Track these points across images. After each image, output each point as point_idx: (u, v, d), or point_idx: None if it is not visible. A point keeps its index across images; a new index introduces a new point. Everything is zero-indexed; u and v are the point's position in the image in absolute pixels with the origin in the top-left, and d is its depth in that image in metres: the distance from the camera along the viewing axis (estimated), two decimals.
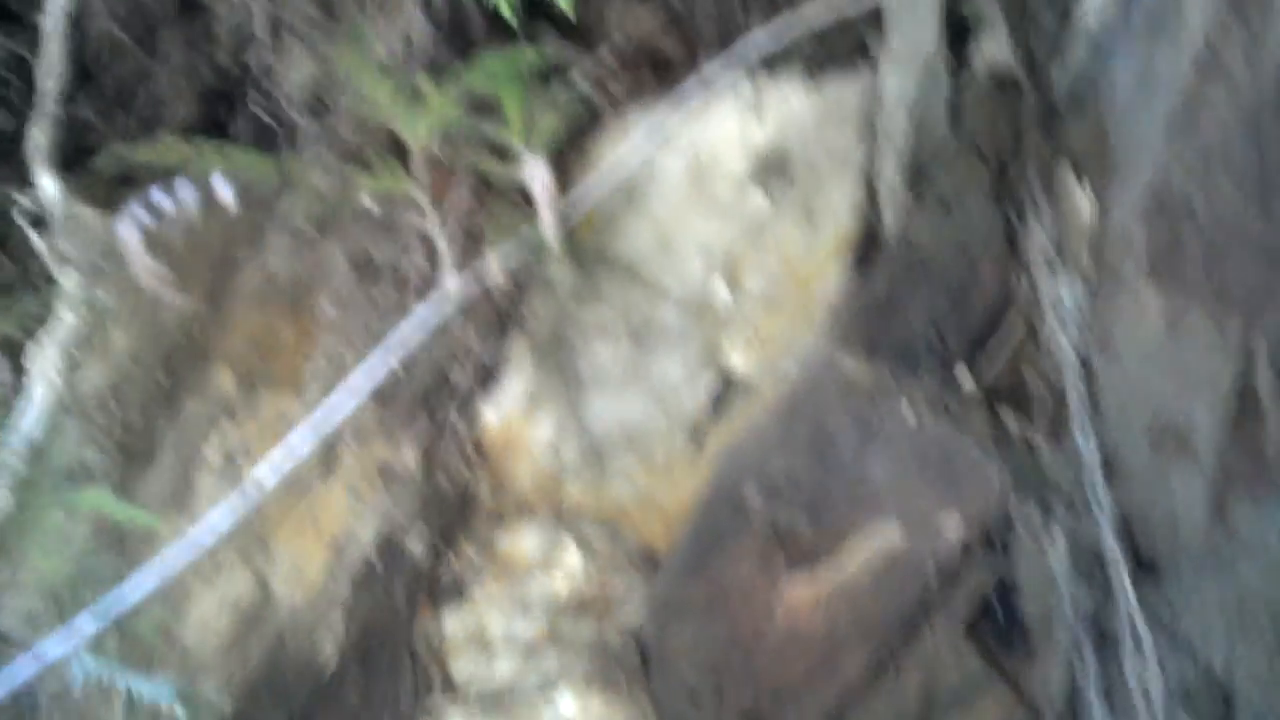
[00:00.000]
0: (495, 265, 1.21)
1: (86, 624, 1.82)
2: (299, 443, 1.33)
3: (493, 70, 1.22)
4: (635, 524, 3.55)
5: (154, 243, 1.18)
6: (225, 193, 1.18)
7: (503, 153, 1.12)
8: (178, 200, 1.20)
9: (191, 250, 3.48)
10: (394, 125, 1.21)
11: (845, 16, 3.48)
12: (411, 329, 1.22)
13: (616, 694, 3.29)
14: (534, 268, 3.61)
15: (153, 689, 2.10)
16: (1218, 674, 2.01)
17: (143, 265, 1.17)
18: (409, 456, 3.52)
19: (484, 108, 2.91)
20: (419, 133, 1.18)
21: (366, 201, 1.22)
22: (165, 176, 3.97)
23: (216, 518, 1.38)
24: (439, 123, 1.16)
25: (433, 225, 1.23)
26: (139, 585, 1.72)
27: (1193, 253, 2.07)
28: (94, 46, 3.80)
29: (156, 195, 1.23)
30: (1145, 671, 2.08)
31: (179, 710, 2.12)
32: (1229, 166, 1.91)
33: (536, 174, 1.11)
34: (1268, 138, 1.77)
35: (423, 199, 1.19)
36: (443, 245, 1.22)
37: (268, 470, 1.36)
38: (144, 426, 3.96)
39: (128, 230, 1.18)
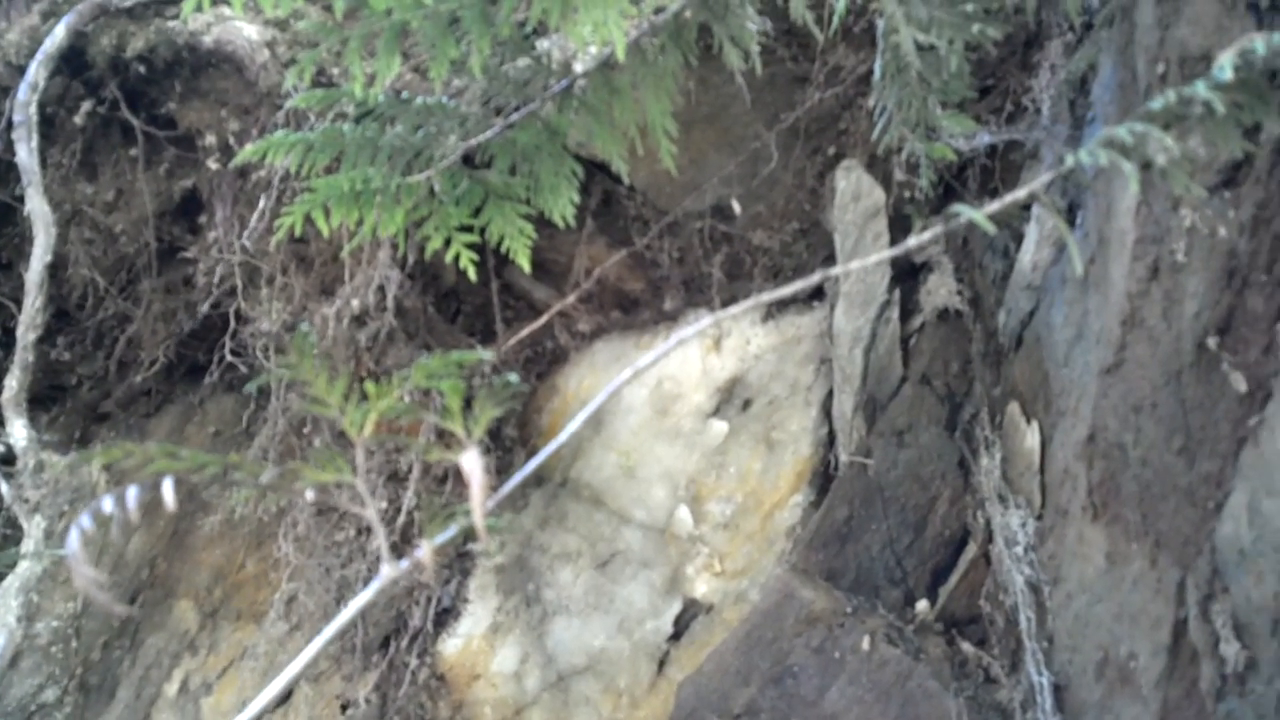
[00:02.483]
0: (428, 553, 1.29)
1: None
2: (261, 696, 1.36)
3: (434, 369, 1.33)
4: None
5: (92, 546, 1.25)
6: (169, 497, 1.27)
7: (447, 436, 1.22)
8: (124, 508, 1.29)
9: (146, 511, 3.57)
10: (339, 421, 1.31)
11: (801, 259, 3.70)
12: (361, 593, 1.25)
13: None
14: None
15: None
16: None
17: (83, 574, 1.24)
18: (362, 700, 3.51)
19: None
20: (362, 429, 1.28)
21: (309, 495, 1.30)
22: (146, 401, 4.09)
23: None
24: (383, 415, 1.26)
25: (372, 516, 1.32)
26: None
27: (1129, 495, 2.18)
28: (76, 291, 3.96)
29: (104, 503, 1.31)
30: None
31: None
32: (1156, 416, 2.04)
33: (472, 464, 1.20)
34: (1188, 391, 1.90)
35: (363, 491, 1.28)
36: (380, 537, 1.30)
37: None
38: (104, 662, 3.95)
39: (74, 541, 1.25)
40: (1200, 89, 1.35)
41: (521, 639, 3.71)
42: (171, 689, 3.88)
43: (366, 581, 3.27)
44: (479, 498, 1.33)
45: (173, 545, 4.06)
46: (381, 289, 3.50)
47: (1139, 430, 2.13)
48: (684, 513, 3.65)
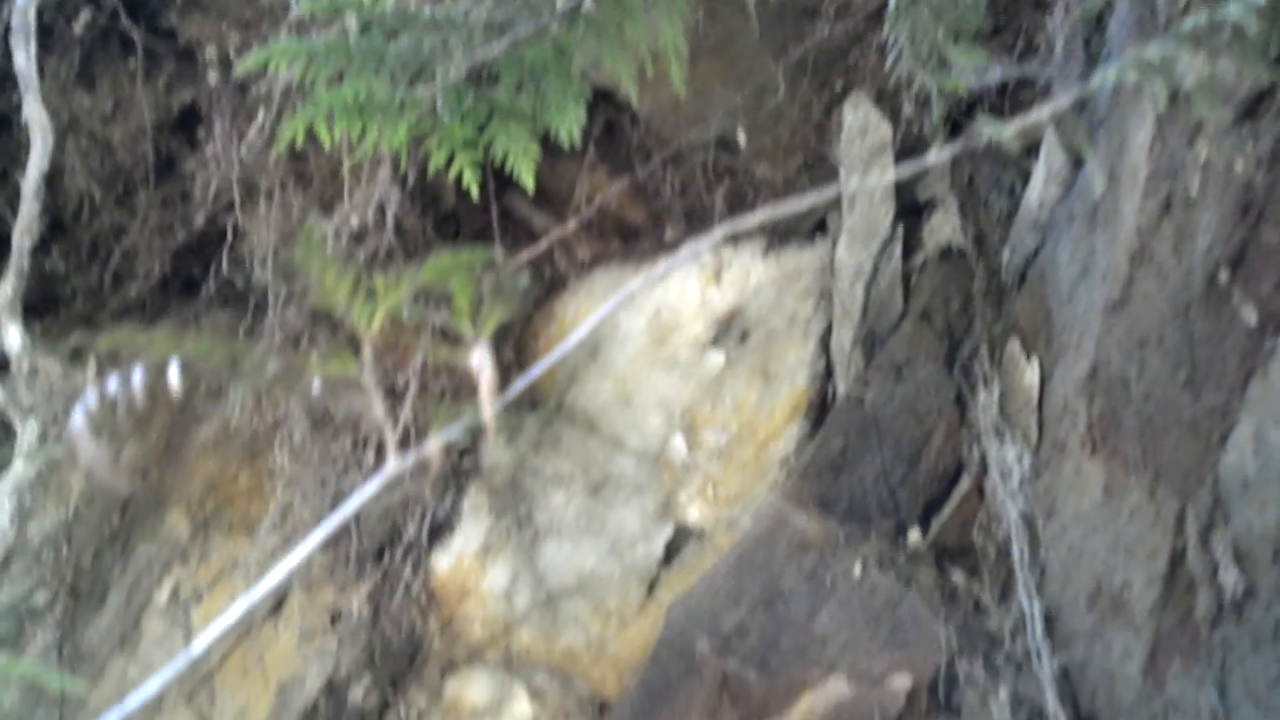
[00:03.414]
0: (435, 448, 1.30)
1: None
2: (249, 595, 1.38)
3: (444, 267, 1.33)
4: (586, 671, 3.58)
5: (98, 426, 1.25)
6: (174, 380, 1.27)
7: (453, 338, 1.23)
8: (128, 387, 1.29)
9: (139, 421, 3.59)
10: (347, 317, 1.31)
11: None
12: (365, 486, 1.27)
13: None
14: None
15: None
16: None
17: (89, 453, 1.24)
18: (356, 607, 3.54)
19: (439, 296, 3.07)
20: (370, 324, 1.28)
21: (315, 388, 1.30)
22: (123, 355, 4.07)
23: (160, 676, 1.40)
24: (390, 312, 1.26)
25: (376, 409, 1.33)
26: None
27: (1129, 429, 2.21)
28: (71, 202, 3.93)
29: (110, 383, 1.31)
30: None
31: None
32: (1161, 350, 2.07)
33: (481, 361, 1.21)
34: (1195, 326, 1.93)
35: (370, 385, 1.28)
36: (386, 430, 1.31)
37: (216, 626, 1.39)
38: (94, 569, 3.97)
39: (78, 421, 1.25)
40: (1233, 9, 1.36)
41: (512, 559, 3.75)
42: (162, 597, 3.91)
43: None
44: (489, 393, 1.34)
45: (165, 455, 4.06)
46: (381, 207, 3.49)
47: (1143, 365, 2.16)
48: (678, 441, 3.67)
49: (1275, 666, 1.73)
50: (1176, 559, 2.00)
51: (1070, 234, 2.63)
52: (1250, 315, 1.75)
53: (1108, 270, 2.32)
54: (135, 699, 1.46)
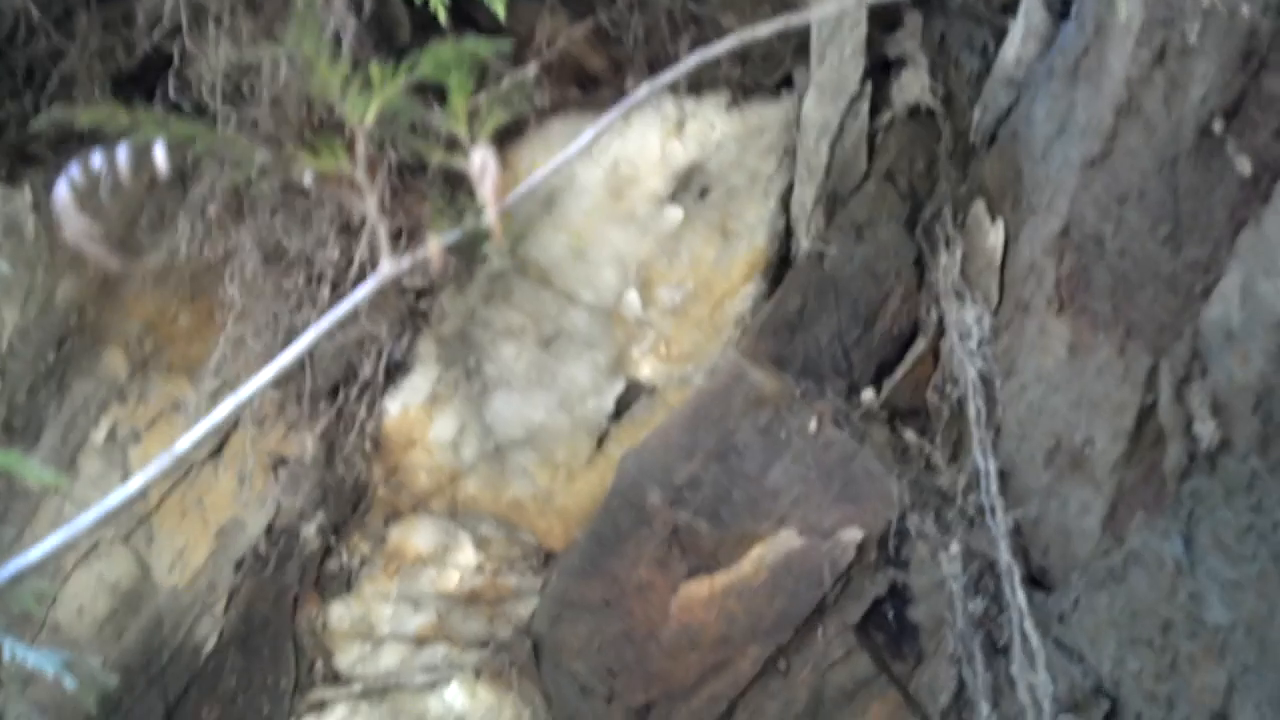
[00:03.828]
0: (435, 248, 1.24)
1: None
2: (197, 428, 1.33)
3: (443, 59, 1.26)
4: (532, 522, 3.58)
5: (84, 203, 1.18)
6: (160, 159, 1.20)
7: (447, 142, 1.16)
8: (114, 163, 1.21)
9: (108, 218, 3.43)
10: (339, 107, 1.24)
11: (772, 47, 3.60)
12: (322, 319, 1.22)
13: (506, 686, 3.31)
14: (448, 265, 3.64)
15: (39, 657, 2.03)
16: (1105, 683, 2.13)
17: (74, 225, 1.17)
18: (309, 445, 3.49)
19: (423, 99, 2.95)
20: (364, 115, 1.21)
21: (307, 179, 1.23)
22: (80, 145, 3.91)
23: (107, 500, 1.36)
24: (383, 105, 1.19)
25: (370, 206, 1.26)
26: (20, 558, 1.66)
27: (1100, 287, 2.21)
28: (5, 23, 3.72)
29: (94, 158, 1.23)
30: (1035, 679, 2.19)
31: (66, 680, 2.06)
32: (1142, 206, 2.05)
33: (486, 161, 1.15)
34: (1182, 179, 1.91)
35: (362, 179, 1.22)
36: (380, 227, 1.25)
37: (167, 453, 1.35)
38: (29, 405, 3.87)
39: (62, 191, 1.18)
40: None
41: (460, 410, 3.71)
42: (99, 436, 3.83)
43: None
44: (494, 194, 1.28)
45: (102, 292, 3.94)
46: (337, 37, 3.34)
47: (1120, 221, 2.15)
48: (633, 296, 3.63)
49: (1247, 516, 1.76)
50: (1144, 414, 2.01)
51: (1048, 90, 2.58)
52: (1245, 166, 1.73)
53: (1088, 126, 2.29)
54: (68, 530, 1.41)
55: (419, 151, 1.28)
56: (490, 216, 1.21)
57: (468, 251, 3.54)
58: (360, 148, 1.24)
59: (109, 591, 3.84)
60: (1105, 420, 2.15)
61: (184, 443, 1.29)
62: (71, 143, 3.94)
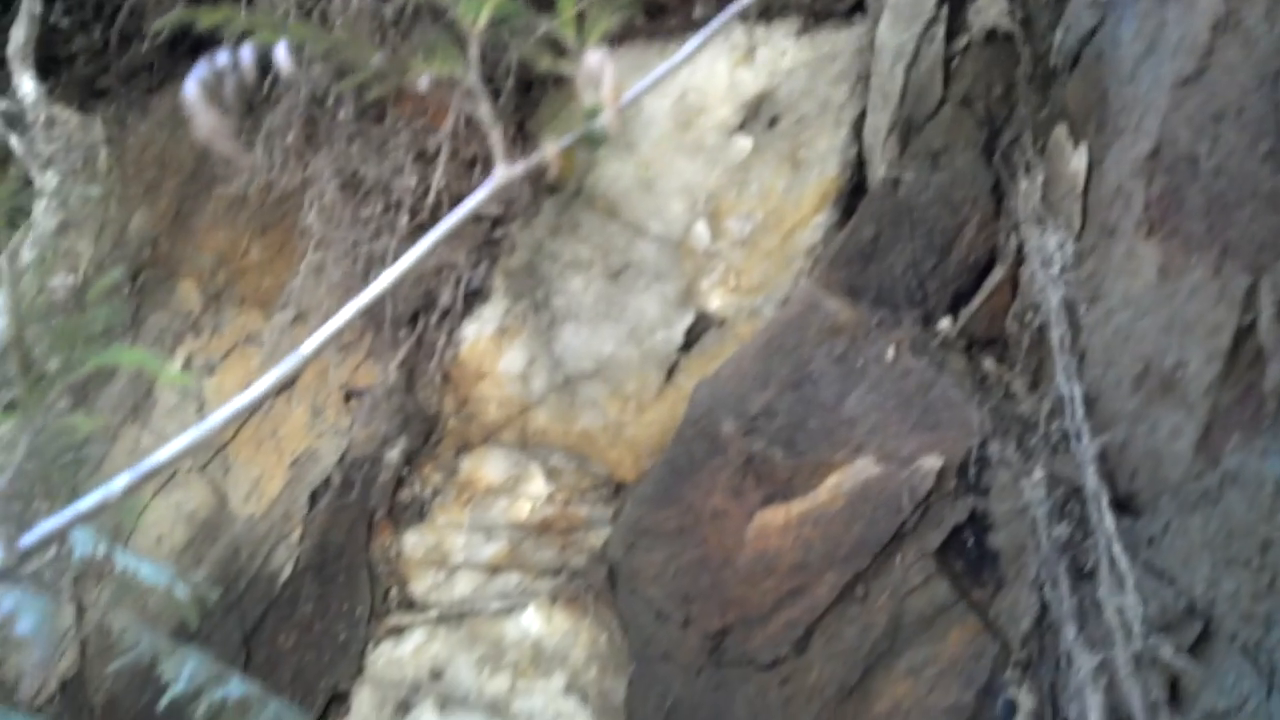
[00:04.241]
0: (553, 150, 1.24)
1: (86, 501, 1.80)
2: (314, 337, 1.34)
3: None
4: (603, 454, 3.60)
5: (212, 100, 1.18)
6: (283, 59, 1.20)
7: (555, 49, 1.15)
8: (239, 64, 1.21)
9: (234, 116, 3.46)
10: (452, 11, 1.23)
11: None
12: (404, 245, 1.23)
13: (582, 612, 3.35)
14: (519, 193, 3.65)
15: (151, 569, 2.08)
16: (1198, 603, 2.12)
17: (205, 121, 1.17)
18: (384, 375, 3.52)
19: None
20: (477, 19, 1.20)
21: (423, 84, 1.23)
22: (149, 76, 3.93)
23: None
24: (496, 10, 1.18)
25: (485, 110, 1.26)
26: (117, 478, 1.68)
27: (1194, 207, 2.17)
28: None
29: (220, 58, 1.23)
30: (1123, 602, 2.18)
31: (179, 589, 2.11)
32: (1241, 123, 2.01)
33: (603, 62, 1.14)
34: None
35: (476, 86, 1.21)
36: (495, 131, 1.24)
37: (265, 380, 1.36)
38: (106, 338, 3.92)
39: (193, 88, 1.18)
40: None
41: (529, 342, 3.73)
42: (173, 368, 3.88)
43: (396, 259, 3.23)
44: (612, 95, 1.27)
45: (175, 225, 3.98)
46: None
47: (1216, 140, 2.10)
48: (701, 227, 3.61)
49: None
50: (1242, 334, 1.98)
51: (1135, 10, 2.52)
52: None
53: (1180, 43, 2.24)
54: (147, 464, 1.43)
55: (529, 57, 1.27)
56: (609, 117, 1.20)
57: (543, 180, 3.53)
58: (473, 52, 1.24)
59: (186, 521, 3.91)
60: (1199, 342, 2.12)
61: (309, 345, 1.31)
62: (140, 75, 3.97)
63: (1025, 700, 2.56)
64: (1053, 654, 2.49)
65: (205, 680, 1.89)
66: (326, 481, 3.80)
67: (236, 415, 1.35)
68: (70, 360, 1.47)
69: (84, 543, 1.87)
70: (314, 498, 3.79)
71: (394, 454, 3.70)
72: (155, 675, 3.65)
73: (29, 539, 1.30)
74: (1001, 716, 2.63)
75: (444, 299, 3.44)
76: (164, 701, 1.89)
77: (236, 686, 1.92)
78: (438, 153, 3.22)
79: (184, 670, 1.88)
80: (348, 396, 3.85)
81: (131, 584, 2.10)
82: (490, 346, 3.75)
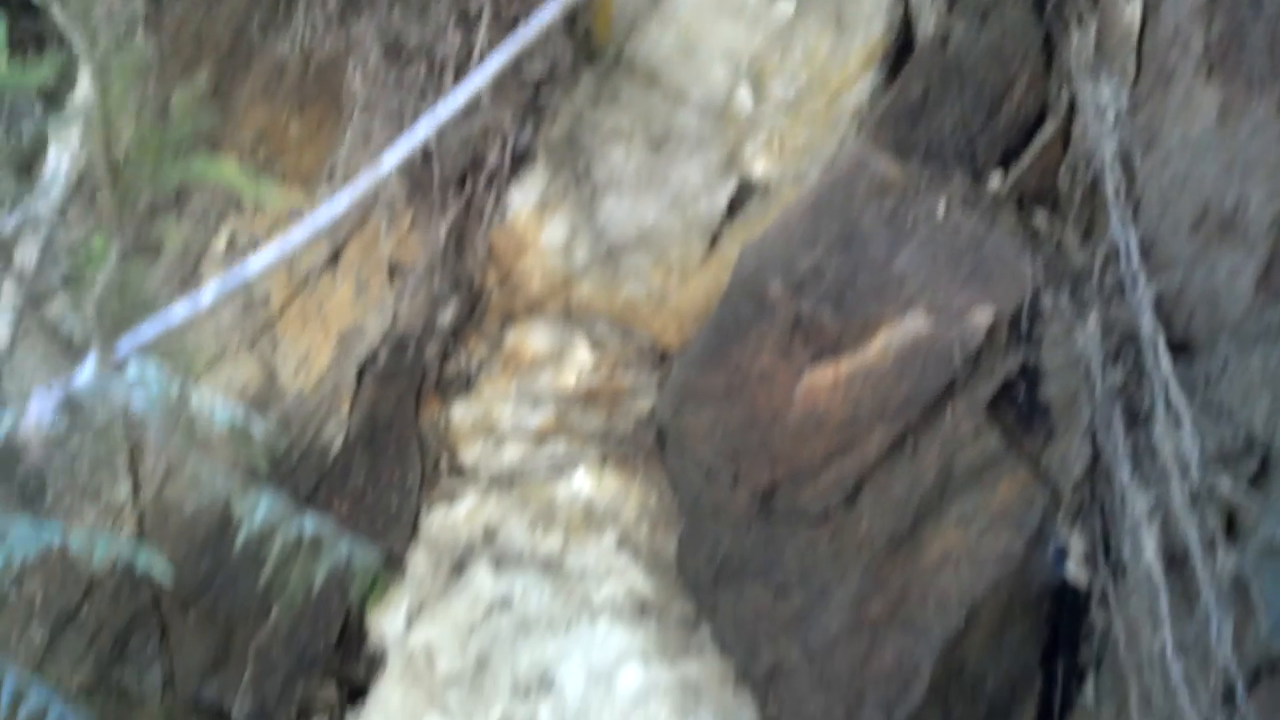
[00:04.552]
0: None
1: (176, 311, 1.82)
2: (331, 209, 1.35)
3: None
4: (647, 322, 3.62)
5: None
6: None
7: None
8: None
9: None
10: None
11: None
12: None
13: (632, 473, 3.40)
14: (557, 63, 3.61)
15: (225, 409, 2.11)
16: (1257, 437, 2.14)
17: None
18: (440, 237, 3.52)
19: None
20: None
21: None
22: None
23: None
24: None
25: None
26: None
27: (1256, 46, 2.14)
28: None
29: None
30: (1180, 441, 2.21)
31: (256, 427, 2.15)
32: None
33: None
34: None
35: None
36: None
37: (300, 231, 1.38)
38: (151, 218, 3.93)
39: None
40: None
41: (570, 214, 3.72)
42: (219, 245, 3.90)
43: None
44: None
45: (215, 102, 3.96)
46: None
47: None
48: (744, 92, 3.57)
49: None
50: None
51: None
52: None
53: None
54: (236, 276, 1.45)
55: None
56: None
57: (582, 46, 3.50)
58: None
59: (237, 395, 3.96)
60: (1260, 181, 2.12)
61: (389, 162, 1.32)
62: None
63: (1075, 545, 2.60)
64: (1104, 500, 2.53)
65: (279, 518, 1.94)
66: (374, 356, 3.83)
67: (318, 233, 1.37)
68: (157, 172, 1.49)
69: (155, 378, 1.87)
70: (361, 372, 3.82)
71: (439, 327, 3.73)
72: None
73: (125, 346, 1.33)
74: (1052, 562, 2.68)
75: (491, 160, 3.43)
76: (239, 539, 1.94)
77: (309, 523, 1.97)
78: (480, 14, 3.18)
79: (259, 507, 1.92)
80: (391, 272, 3.86)
81: (202, 429, 2.14)
82: (532, 219, 3.75)
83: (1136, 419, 2.39)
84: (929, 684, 2.80)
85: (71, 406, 1.59)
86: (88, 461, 3.66)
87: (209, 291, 1.37)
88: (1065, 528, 2.64)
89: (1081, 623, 2.71)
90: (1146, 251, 2.47)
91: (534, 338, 3.74)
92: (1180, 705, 2.20)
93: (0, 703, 1.55)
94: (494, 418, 3.71)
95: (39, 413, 1.49)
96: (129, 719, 3.68)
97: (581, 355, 3.67)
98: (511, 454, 3.63)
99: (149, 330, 1.36)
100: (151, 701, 3.68)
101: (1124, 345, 2.45)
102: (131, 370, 1.61)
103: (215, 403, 1.89)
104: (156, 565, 1.63)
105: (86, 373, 1.57)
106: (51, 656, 3.52)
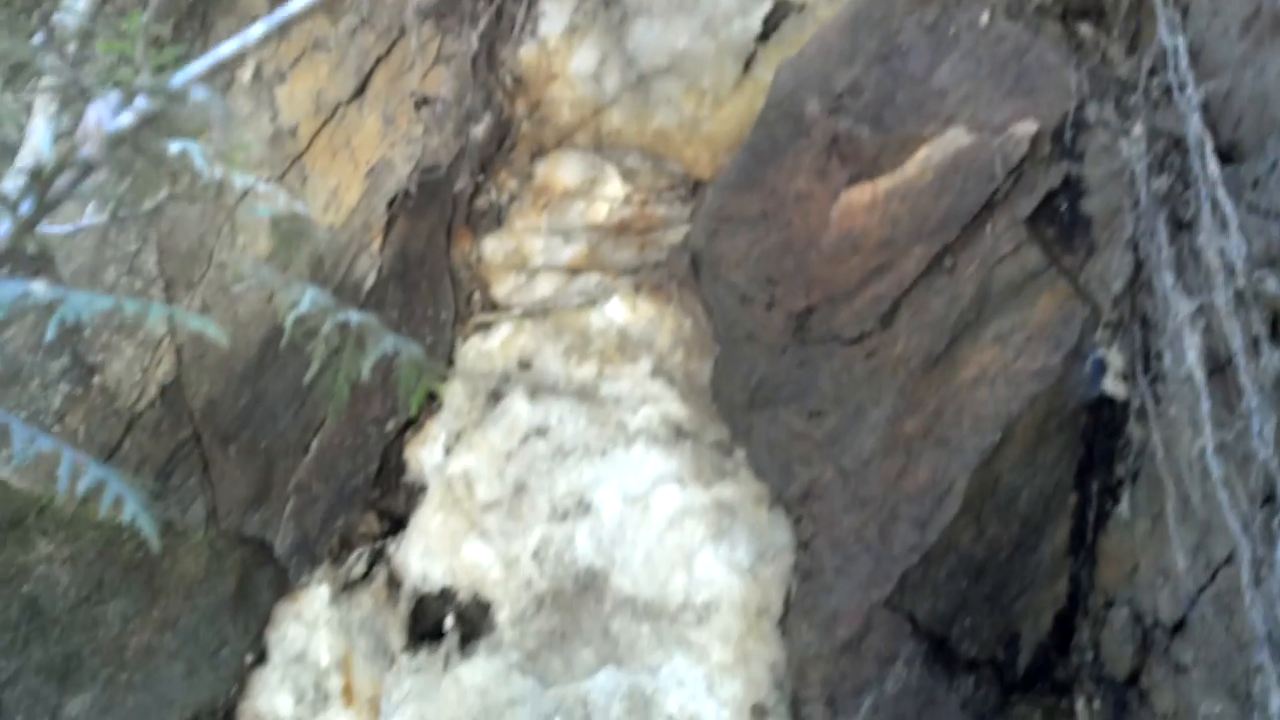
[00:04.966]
0: None
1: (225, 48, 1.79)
2: None
3: None
4: (679, 152, 3.56)
5: None
6: None
7: None
8: None
9: None
10: None
11: None
12: None
13: (666, 299, 3.39)
14: None
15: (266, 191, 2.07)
16: None
17: None
18: (472, 43, 3.45)
19: None
20: None
21: None
22: None
23: None
24: None
25: None
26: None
27: None
28: None
29: None
30: (1226, 243, 2.17)
31: (300, 207, 2.11)
32: None
33: None
34: None
35: None
36: None
37: None
38: (175, 39, 3.86)
39: None
40: None
41: (600, 40, 3.64)
42: (245, 76, 3.85)
43: None
44: None
45: None
46: None
47: None
48: None
49: None
50: None
51: None
52: None
53: None
54: (282, 13, 1.42)
55: None
56: None
57: None
58: None
59: (270, 232, 3.95)
60: None
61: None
62: None
63: (1114, 360, 2.59)
64: (1145, 311, 2.50)
65: (324, 308, 1.92)
66: (404, 191, 3.80)
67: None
68: None
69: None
70: (392, 207, 3.80)
71: (469, 160, 3.69)
72: (253, 381, 3.77)
73: (179, 78, 1.32)
74: (1090, 377, 2.67)
75: None
76: (286, 329, 1.92)
77: (355, 314, 1.96)
78: None
79: (304, 297, 1.91)
80: (419, 104, 3.80)
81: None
82: (560, 46, 3.67)
83: (1181, 226, 2.35)
84: (963, 500, 2.82)
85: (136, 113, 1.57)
86: (125, 297, 3.66)
87: (257, 28, 1.35)
88: (1104, 343, 2.61)
89: (1118, 438, 2.71)
90: (1195, 56, 2.39)
91: (564, 170, 3.70)
92: (1220, 507, 2.21)
93: (61, 479, 1.57)
94: (525, 252, 3.70)
95: (97, 117, 1.48)
96: (174, 551, 3.75)
97: (613, 187, 3.63)
98: (544, 287, 3.63)
99: (200, 64, 1.34)
100: (195, 535, 3.75)
101: (1169, 153, 2.39)
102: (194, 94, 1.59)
103: (256, 185, 1.86)
104: (211, 329, 1.63)
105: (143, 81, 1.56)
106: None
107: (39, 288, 1.62)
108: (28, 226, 1.38)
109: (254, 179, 1.81)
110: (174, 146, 1.70)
